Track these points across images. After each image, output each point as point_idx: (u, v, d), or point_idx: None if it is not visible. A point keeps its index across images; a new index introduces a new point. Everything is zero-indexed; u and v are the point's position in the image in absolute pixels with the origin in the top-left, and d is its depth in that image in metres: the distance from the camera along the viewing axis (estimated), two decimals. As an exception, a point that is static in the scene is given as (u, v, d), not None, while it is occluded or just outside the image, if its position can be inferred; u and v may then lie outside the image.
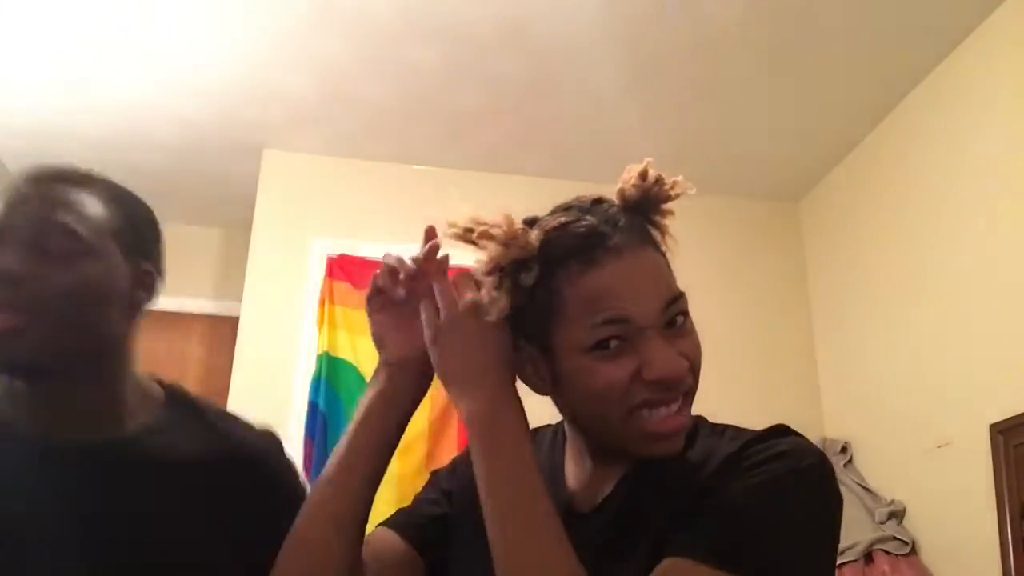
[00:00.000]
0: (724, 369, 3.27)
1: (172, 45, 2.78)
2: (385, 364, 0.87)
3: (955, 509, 2.54)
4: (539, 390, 0.82)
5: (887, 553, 2.60)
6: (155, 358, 3.69)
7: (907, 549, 2.61)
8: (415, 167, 3.41)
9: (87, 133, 3.27)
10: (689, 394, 0.78)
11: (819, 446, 3.01)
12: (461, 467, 0.92)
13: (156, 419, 0.94)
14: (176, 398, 0.99)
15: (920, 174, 2.87)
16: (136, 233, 0.95)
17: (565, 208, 0.81)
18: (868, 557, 2.61)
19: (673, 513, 0.74)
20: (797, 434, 0.78)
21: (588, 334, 0.75)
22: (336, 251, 3.26)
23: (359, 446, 0.84)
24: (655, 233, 0.82)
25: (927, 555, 2.63)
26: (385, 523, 0.90)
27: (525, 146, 3.27)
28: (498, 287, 0.78)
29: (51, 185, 0.91)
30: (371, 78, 2.94)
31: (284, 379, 3.08)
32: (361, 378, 3.01)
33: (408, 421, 0.87)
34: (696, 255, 3.51)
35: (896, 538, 2.64)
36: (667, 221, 0.83)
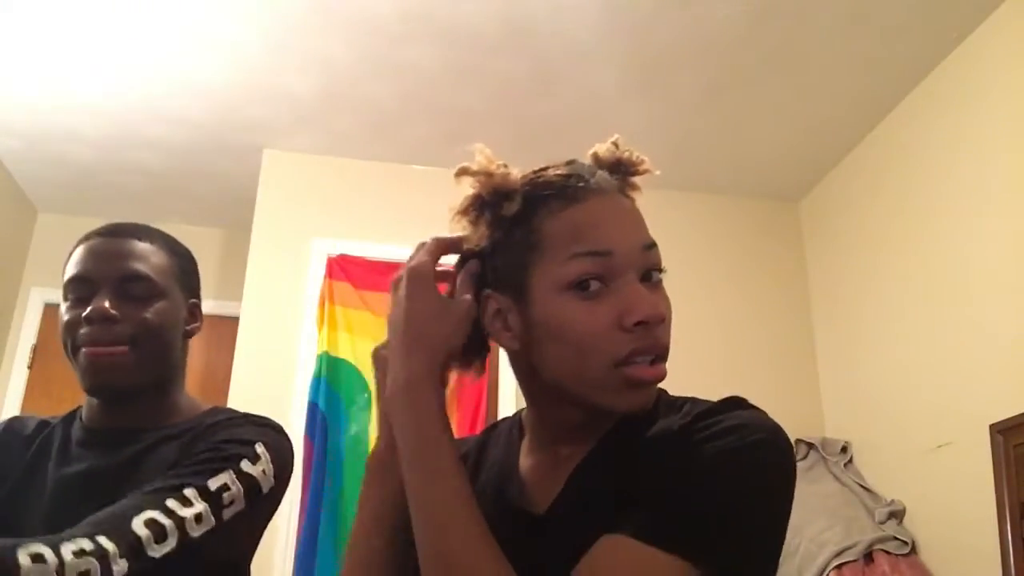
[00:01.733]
0: (724, 369, 3.28)
1: (172, 45, 2.78)
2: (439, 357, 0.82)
3: (955, 509, 2.54)
4: (507, 344, 0.78)
5: (887, 553, 2.60)
6: (155, 358, 3.69)
7: (907, 549, 2.61)
8: (415, 167, 3.41)
9: (87, 133, 3.27)
10: (663, 354, 0.76)
11: (819, 446, 2.99)
12: None
13: (185, 420, 1.14)
14: (216, 408, 1.18)
15: (920, 174, 2.87)
16: (187, 274, 1.19)
17: (545, 167, 0.81)
18: (868, 557, 2.61)
19: (621, 497, 0.71)
20: (752, 407, 0.75)
21: (567, 268, 0.73)
22: (336, 251, 3.26)
23: (383, 510, 0.80)
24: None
25: (927, 555, 2.63)
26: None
27: (525, 146, 3.27)
28: (475, 222, 0.78)
29: (126, 240, 1.13)
30: (371, 78, 2.94)
31: (284, 379, 3.08)
32: (361, 378, 3.01)
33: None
34: (696, 255, 3.56)
35: (896, 538, 2.64)
36: (635, 195, 0.82)
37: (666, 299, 0.77)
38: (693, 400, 0.80)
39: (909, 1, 2.52)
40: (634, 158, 0.82)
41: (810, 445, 3.12)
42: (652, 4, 2.54)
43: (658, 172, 0.83)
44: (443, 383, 0.78)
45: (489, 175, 0.77)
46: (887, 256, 3.02)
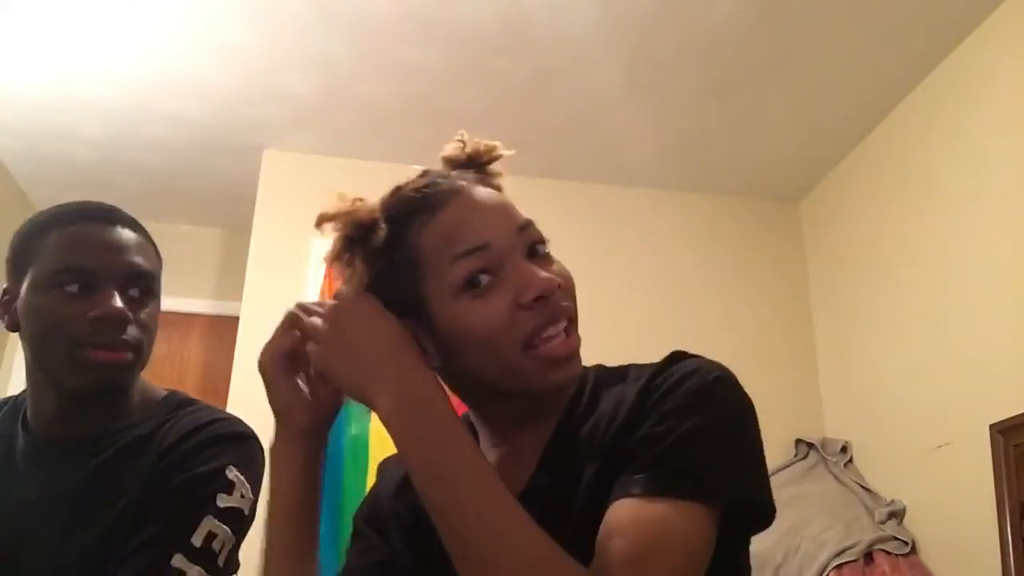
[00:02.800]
0: (724, 369, 3.27)
1: (172, 45, 2.78)
2: (298, 435, 0.80)
3: (955, 509, 2.54)
4: (429, 365, 0.77)
5: (887, 553, 2.60)
6: (155, 358, 3.66)
7: (907, 549, 2.61)
8: (415, 167, 3.40)
9: (87, 133, 3.27)
10: (572, 316, 0.77)
11: (819, 446, 3.00)
12: (378, 490, 0.90)
13: (147, 413, 1.08)
14: (172, 398, 1.12)
15: (920, 174, 2.87)
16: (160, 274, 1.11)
17: (395, 188, 0.82)
18: (868, 557, 2.61)
19: (600, 470, 0.72)
20: (696, 356, 0.78)
21: (453, 273, 0.74)
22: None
23: (290, 532, 0.79)
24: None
25: (927, 555, 2.62)
26: None
27: (525, 146, 3.26)
28: (351, 263, 0.78)
29: (123, 230, 1.05)
30: (371, 78, 2.94)
31: (284, 379, 3.08)
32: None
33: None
34: (696, 255, 3.55)
35: (896, 538, 2.64)
36: (498, 182, 0.83)
37: (562, 267, 0.78)
38: (635, 365, 0.81)
39: (909, 1, 2.52)
40: (482, 147, 0.84)
41: (810, 445, 3.12)
42: (652, 4, 2.54)
43: (512, 152, 0.84)
44: (312, 447, 0.80)
45: (347, 214, 0.77)
46: (887, 256, 3.02)
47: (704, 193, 3.57)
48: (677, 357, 0.77)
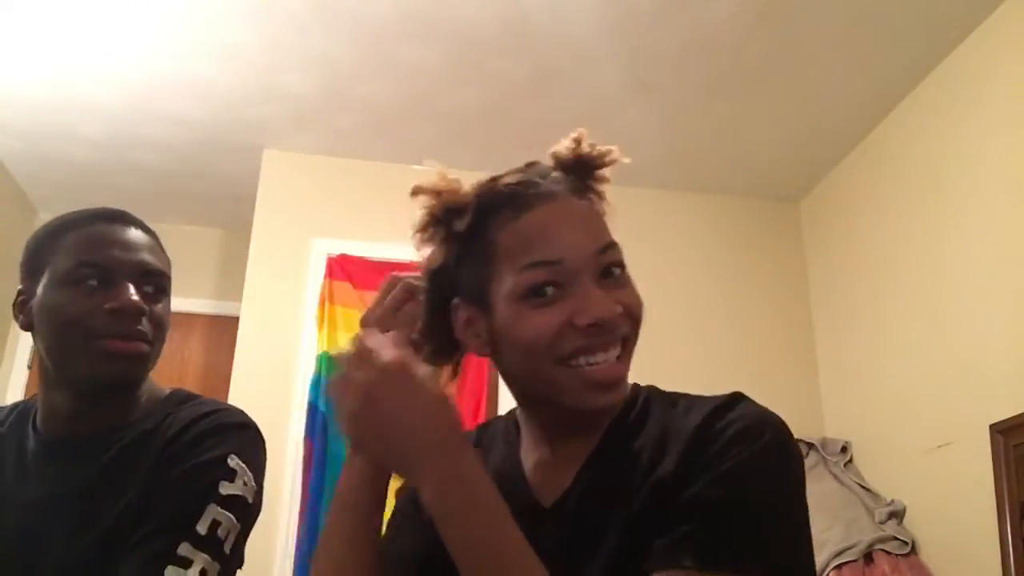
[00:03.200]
0: (724, 369, 3.27)
1: (172, 45, 2.78)
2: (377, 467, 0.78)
3: (955, 509, 2.54)
4: (478, 351, 0.80)
5: (887, 553, 2.60)
6: (155, 358, 3.69)
7: (907, 549, 2.61)
8: (415, 167, 3.40)
9: (87, 133, 3.27)
10: (628, 342, 0.76)
11: (819, 446, 2.99)
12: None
13: (152, 408, 1.10)
14: (176, 395, 1.14)
15: (920, 174, 2.87)
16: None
17: (504, 173, 0.82)
18: (868, 557, 2.61)
19: (640, 510, 0.72)
20: (750, 401, 0.76)
21: (520, 279, 0.74)
22: (336, 251, 3.26)
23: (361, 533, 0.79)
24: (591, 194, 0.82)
25: (927, 555, 2.62)
26: None
27: (525, 146, 3.25)
28: (431, 240, 0.79)
29: (136, 230, 1.09)
30: (371, 78, 2.94)
31: (284, 379, 3.08)
32: (361, 378, 3.01)
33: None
34: (696, 255, 3.55)
35: (896, 538, 2.64)
36: (602, 188, 0.83)
37: (631, 289, 0.78)
38: (686, 396, 0.80)
39: (909, 2, 2.52)
40: (596, 152, 0.82)
41: (810, 445, 3.12)
42: (652, 4, 2.54)
43: (627, 160, 0.82)
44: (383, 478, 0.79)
45: (438, 193, 0.78)
46: (887, 256, 3.02)
47: (704, 193, 3.57)
48: (735, 401, 0.75)
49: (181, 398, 1.13)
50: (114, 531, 0.96)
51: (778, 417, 0.74)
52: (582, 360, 0.74)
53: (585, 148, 0.82)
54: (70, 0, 2.57)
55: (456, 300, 0.79)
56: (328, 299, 3.17)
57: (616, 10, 2.57)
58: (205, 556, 0.92)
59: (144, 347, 1.04)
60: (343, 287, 3.19)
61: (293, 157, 3.41)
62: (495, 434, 0.91)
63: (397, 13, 2.61)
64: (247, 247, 3.31)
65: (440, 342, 0.82)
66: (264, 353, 3.15)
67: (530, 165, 0.82)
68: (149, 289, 1.07)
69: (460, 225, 0.78)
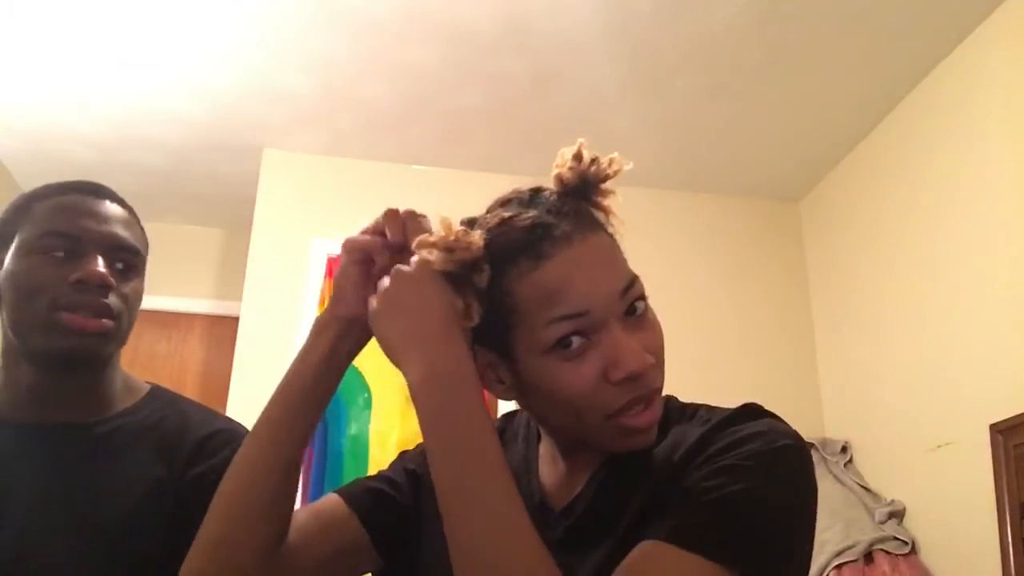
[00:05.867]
0: (724, 369, 3.27)
1: (172, 45, 2.78)
2: (335, 318, 0.81)
3: (955, 509, 2.54)
4: (504, 396, 0.79)
5: (887, 553, 2.60)
6: (155, 358, 3.69)
7: (907, 549, 2.61)
8: (415, 167, 3.41)
9: (87, 133, 3.27)
10: (658, 391, 0.76)
11: (819, 446, 2.99)
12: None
13: (137, 405, 1.07)
14: (158, 391, 1.11)
15: (920, 174, 2.87)
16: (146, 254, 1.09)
17: (503, 203, 0.78)
18: (868, 557, 2.61)
19: (646, 505, 0.72)
20: (771, 414, 0.76)
21: (546, 333, 0.71)
22: (336, 251, 3.25)
23: (297, 402, 0.80)
24: (600, 216, 0.79)
25: (927, 555, 2.63)
26: (335, 489, 0.86)
27: (525, 146, 3.26)
28: (460, 293, 0.74)
29: (111, 203, 1.05)
30: (371, 78, 2.94)
31: (284, 379, 3.08)
32: (361, 378, 3.01)
33: (339, 382, 0.83)
34: (696, 255, 3.55)
35: (896, 538, 2.64)
36: (609, 202, 0.80)
37: (655, 329, 0.76)
38: (706, 407, 0.80)
39: (909, 2, 2.52)
40: (600, 167, 0.79)
41: (810, 445, 3.12)
42: (652, 4, 2.54)
43: (629, 165, 0.79)
44: (343, 336, 0.81)
45: (450, 250, 0.73)
46: (887, 256, 3.02)
47: (704, 193, 3.57)
48: (750, 412, 0.76)
49: (169, 396, 1.10)
50: (120, 532, 0.95)
51: (795, 432, 0.74)
52: (627, 416, 0.73)
53: (586, 163, 0.78)
54: (69, 1, 2.57)
55: (476, 346, 0.76)
56: (328, 299, 3.17)
57: (616, 10, 2.57)
58: None
59: (108, 323, 0.98)
60: (343, 287, 3.19)
61: (293, 157, 3.41)
62: (517, 429, 0.91)
63: (397, 13, 2.61)
64: (247, 247, 3.31)
65: None
66: (264, 353, 3.14)
67: (535, 193, 0.78)
68: (119, 266, 1.01)
69: (481, 282, 0.73)
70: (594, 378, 0.71)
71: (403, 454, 0.93)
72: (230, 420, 1.11)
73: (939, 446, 2.62)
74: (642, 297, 0.75)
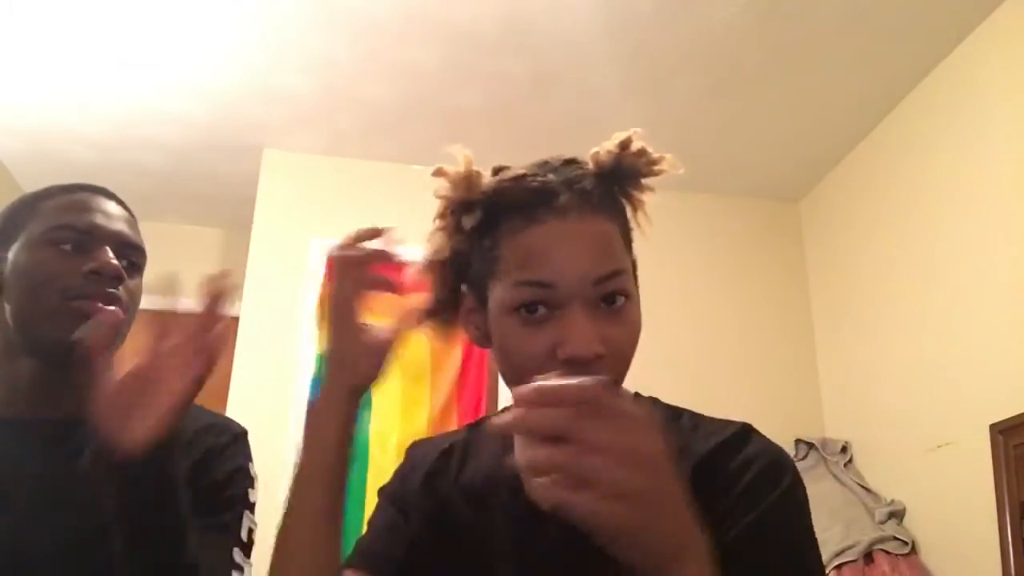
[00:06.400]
0: (724, 369, 3.28)
1: (172, 45, 2.78)
2: (348, 390, 0.78)
3: (955, 509, 2.54)
4: (476, 342, 0.81)
5: (887, 553, 2.60)
6: (155, 358, 3.69)
7: (907, 549, 2.61)
8: (415, 167, 3.41)
9: (87, 133, 3.27)
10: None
11: (819, 446, 2.99)
12: (406, 473, 0.88)
13: None
14: None
15: (920, 174, 2.87)
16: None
17: (539, 163, 0.78)
18: (868, 557, 2.61)
19: None
20: (760, 435, 0.78)
21: (513, 293, 0.73)
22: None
23: (327, 491, 0.77)
24: (623, 205, 0.79)
25: (927, 555, 2.63)
26: (349, 564, 0.82)
27: (525, 146, 3.26)
28: (447, 227, 0.78)
29: (117, 204, 1.07)
30: (371, 78, 2.94)
31: (284, 379, 3.08)
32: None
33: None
34: (696, 255, 3.55)
35: (896, 538, 2.64)
36: (645, 197, 0.80)
37: (626, 325, 0.74)
38: (690, 412, 0.81)
39: (909, 2, 2.52)
40: (645, 158, 0.79)
41: (810, 445, 3.12)
42: (652, 4, 2.54)
43: (681, 170, 0.79)
44: (355, 405, 0.78)
45: (455, 184, 0.76)
46: (887, 256, 3.02)
47: (704, 193, 3.57)
48: (747, 436, 0.77)
49: None
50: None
51: (786, 453, 0.77)
52: None
53: (631, 153, 0.78)
54: (69, 1, 2.57)
55: (464, 288, 0.80)
56: (328, 299, 3.16)
57: (616, 10, 2.57)
58: (248, 561, 0.98)
59: (121, 314, 1.00)
60: (343, 287, 3.18)
61: (293, 157, 3.41)
62: (486, 431, 0.89)
63: (397, 13, 2.61)
64: (247, 247, 3.31)
65: (444, 323, 0.83)
66: (264, 353, 3.14)
67: (568, 162, 0.78)
68: (124, 263, 1.03)
69: (468, 222, 0.77)
70: (542, 350, 0.71)
71: (383, 492, 0.90)
72: (222, 416, 1.12)
73: (939, 446, 2.62)
74: (623, 292, 0.74)
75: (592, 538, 0.54)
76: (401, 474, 0.90)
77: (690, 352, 3.26)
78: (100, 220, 1.02)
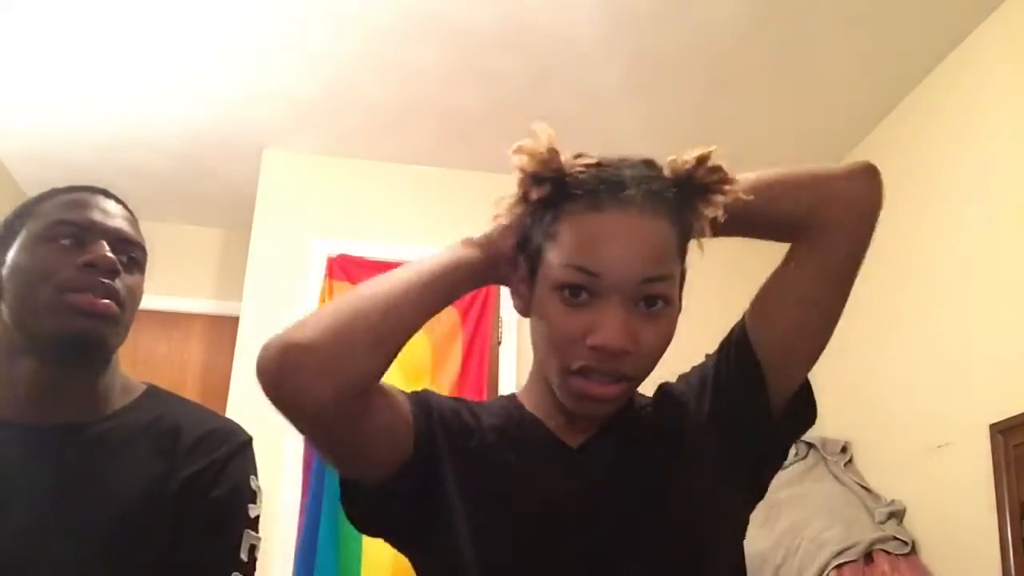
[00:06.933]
0: (724, 369, 3.27)
1: (172, 46, 2.78)
2: (493, 259, 0.83)
3: (955, 509, 2.54)
4: (519, 311, 0.85)
5: (887, 553, 2.60)
6: (155, 358, 3.69)
7: (907, 549, 2.61)
8: (415, 167, 3.41)
9: (88, 133, 3.27)
10: (625, 380, 0.78)
11: (819, 446, 2.99)
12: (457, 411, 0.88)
13: (133, 403, 1.07)
14: (154, 391, 1.11)
15: (919, 174, 2.87)
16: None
17: (620, 158, 0.82)
18: (868, 557, 2.60)
19: (694, 453, 0.86)
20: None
21: (560, 273, 0.76)
22: (336, 251, 3.26)
23: (448, 289, 0.80)
24: (687, 216, 0.81)
25: (927, 555, 2.62)
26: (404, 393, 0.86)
27: (525, 146, 3.26)
28: (515, 198, 0.82)
29: (116, 203, 1.07)
30: (371, 78, 2.94)
31: (284, 379, 3.08)
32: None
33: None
34: (695, 254, 3.54)
35: (896, 538, 2.64)
36: (709, 212, 0.81)
37: (659, 328, 0.78)
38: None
39: (909, 2, 2.52)
40: (714, 178, 0.80)
41: (810, 445, 3.12)
42: (652, 5, 2.54)
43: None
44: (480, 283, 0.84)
45: (532, 157, 0.79)
46: (886, 256, 3.02)
47: (704, 193, 3.57)
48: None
49: (164, 395, 1.10)
50: (119, 533, 0.95)
51: None
52: (580, 380, 0.77)
53: (707, 168, 0.80)
54: (70, 2, 2.57)
55: (521, 256, 0.82)
56: (328, 299, 3.17)
57: (616, 10, 2.57)
58: None
59: (115, 308, 0.99)
60: (343, 287, 3.19)
61: (293, 157, 3.41)
62: (494, 405, 0.93)
63: (397, 13, 2.61)
64: (247, 247, 3.31)
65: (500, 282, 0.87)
66: (264, 353, 3.14)
67: (647, 163, 0.81)
68: (124, 259, 1.02)
69: (535, 194, 0.79)
70: (576, 332, 0.76)
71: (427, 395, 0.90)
72: (226, 419, 1.11)
73: (939, 446, 2.62)
74: (665, 297, 0.78)
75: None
76: (436, 407, 0.88)
77: (690, 352, 3.26)
78: (98, 216, 1.02)
